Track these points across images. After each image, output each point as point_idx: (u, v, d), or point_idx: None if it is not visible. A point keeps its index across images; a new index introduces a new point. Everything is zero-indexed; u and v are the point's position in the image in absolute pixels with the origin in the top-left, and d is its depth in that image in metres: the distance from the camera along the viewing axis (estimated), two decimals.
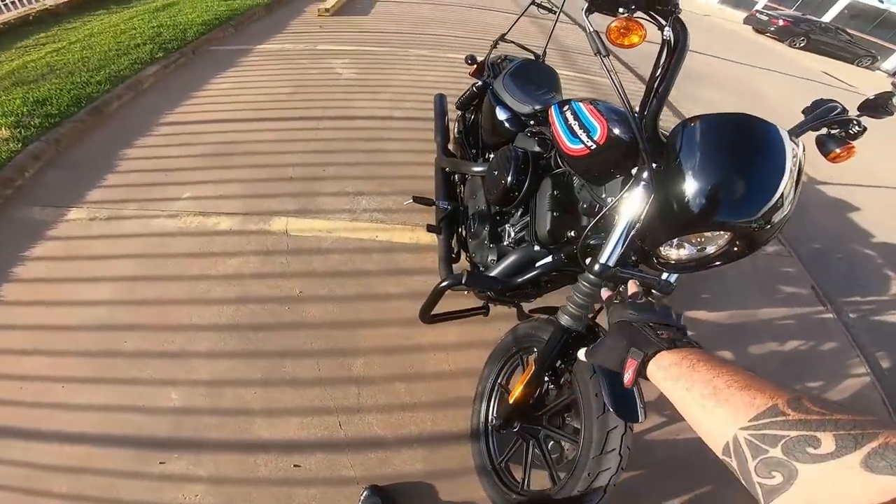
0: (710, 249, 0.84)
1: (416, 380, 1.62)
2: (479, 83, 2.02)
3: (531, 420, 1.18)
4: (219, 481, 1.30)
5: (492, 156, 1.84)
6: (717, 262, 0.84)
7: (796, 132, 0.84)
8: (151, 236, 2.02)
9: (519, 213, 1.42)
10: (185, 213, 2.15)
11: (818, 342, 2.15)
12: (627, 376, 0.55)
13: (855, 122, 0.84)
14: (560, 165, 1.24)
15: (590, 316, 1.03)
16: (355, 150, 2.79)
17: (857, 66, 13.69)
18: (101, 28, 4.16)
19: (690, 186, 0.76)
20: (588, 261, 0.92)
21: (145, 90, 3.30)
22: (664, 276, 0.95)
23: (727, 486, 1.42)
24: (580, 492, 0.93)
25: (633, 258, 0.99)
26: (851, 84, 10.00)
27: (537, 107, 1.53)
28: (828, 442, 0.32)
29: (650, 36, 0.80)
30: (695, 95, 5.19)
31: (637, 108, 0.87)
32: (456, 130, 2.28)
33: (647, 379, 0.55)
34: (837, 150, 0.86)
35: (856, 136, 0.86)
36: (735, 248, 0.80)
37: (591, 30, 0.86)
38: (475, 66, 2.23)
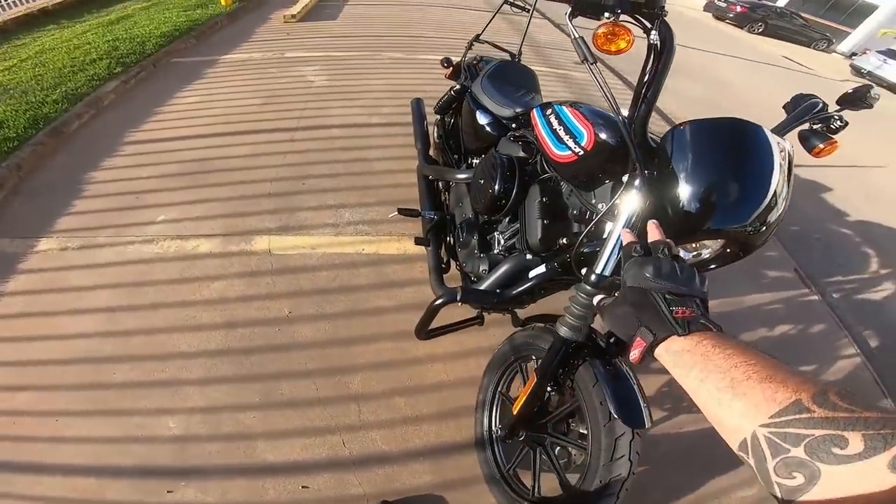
0: (706, 254, 0.84)
1: (416, 392, 1.60)
2: (458, 86, 2.01)
3: (536, 428, 1.18)
4: None
5: (475, 161, 1.83)
6: (713, 266, 0.85)
7: (781, 131, 0.86)
8: (128, 264, 1.94)
9: (507, 220, 1.41)
10: (162, 238, 2.07)
11: (806, 325, 2.22)
12: (634, 354, 0.51)
13: (836, 117, 0.86)
14: (547, 171, 1.23)
15: (589, 325, 1.03)
16: (334, 160, 2.73)
17: (814, 48, 14.23)
18: (52, 44, 3.97)
19: (685, 194, 0.76)
20: (584, 271, 0.91)
21: (106, 107, 3.16)
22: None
23: (733, 479, 1.45)
24: (593, 499, 0.93)
25: None
26: (811, 67, 10.41)
27: (518, 109, 1.52)
28: (856, 442, 0.30)
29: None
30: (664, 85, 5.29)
31: (624, 113, 0.86)
32: (436, 135, 2.26)
33: (654, 359, 0.51)
34: (821, 146, 0.88)
35: (837, 131, 0.88)
36: (732, 251, 0.81)
37: (576, 36, 0.83)
38: (451, 68, 2.20)
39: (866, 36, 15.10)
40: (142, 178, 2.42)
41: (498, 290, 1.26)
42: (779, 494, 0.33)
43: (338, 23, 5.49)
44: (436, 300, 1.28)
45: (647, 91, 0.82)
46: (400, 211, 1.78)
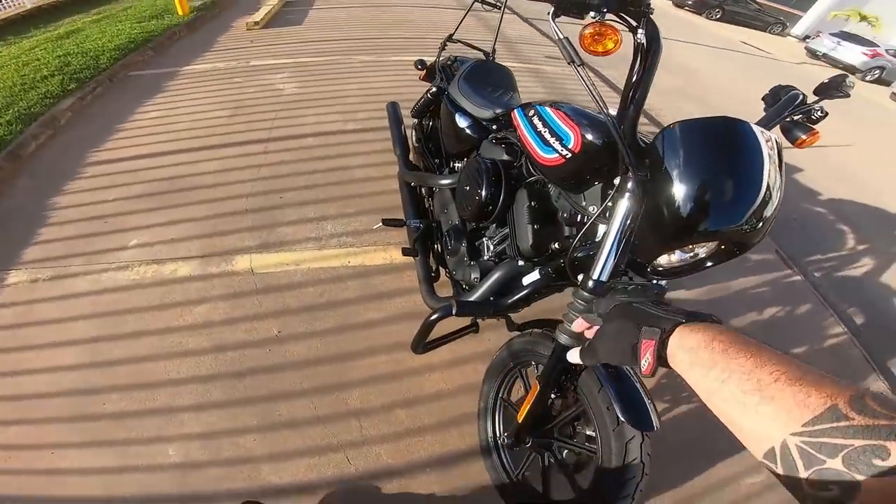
0: (702, 253, 0.84)
1: (416, 403, 1.58)
2: (434, 89, 1.98)
3: (542, 434, 1.17)
4: None
5: (457, 165, 1.80)
6: (710, 264, 0.85)
7: (766, 125, 0.87)
8: (105, 293, 1.84)
9: (495, 225, 1.38)
10: (137, 263, 1.97)
11: (793, 306, 2.27)
12: (646, 363, 0.46)
13: (817, 108, 0.88)
14: (533, 173, 1.21)
15: None
16: (311, 170, 2.65)
17: (770, 33, 14.79)
18: None
19: (680, 195, 0.75)
20: (580, 277, 0.90)
21: (64, 127, 3.00)
22: (653, 280, 0.95)
23: (737, 472, 1.45)
24: (609, 502, 0.93)
25: (622, 268, 0.98)
26: (769, 51, 10.79)
27: (498, 110, 1.50)
28: None
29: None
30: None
31: (612, 114, 0.85)
32: (414, 139, 2.22)
33: (667, 366, 0.45)
34: (803, 137, 0.90)
35: (818, 122, 0.90)
36: (727, 249, 0.81)
37: (561, 37, 0.80)
38: (425, 70, 2.16)
39: (817, 19, 15.75)
40: (108, 200, 2.31)
41: (492, 299, 1.24)
42: None
43: (304, 28, 5.37)
44: (431, 316, 1.25)
45: (635, 91, 0.81)
46: (384, 222, 1.74)
